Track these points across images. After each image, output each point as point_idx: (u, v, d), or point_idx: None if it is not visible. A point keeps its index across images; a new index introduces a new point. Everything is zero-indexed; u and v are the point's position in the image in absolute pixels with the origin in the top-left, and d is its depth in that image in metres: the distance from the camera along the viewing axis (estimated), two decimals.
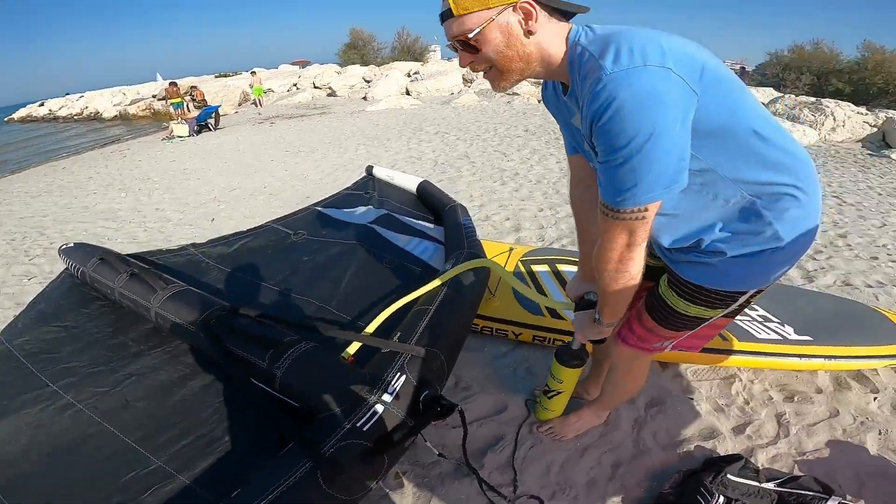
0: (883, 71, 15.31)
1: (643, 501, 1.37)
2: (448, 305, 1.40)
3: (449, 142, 6.44)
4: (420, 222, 2.28)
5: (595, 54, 0.80)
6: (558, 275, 2.18)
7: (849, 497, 1.36)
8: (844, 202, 4.55)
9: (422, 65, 19.09)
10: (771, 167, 0.88)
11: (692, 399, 1.74)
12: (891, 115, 9.61)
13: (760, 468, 1.43)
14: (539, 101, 11.52)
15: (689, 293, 1.03)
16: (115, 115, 19.49)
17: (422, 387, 1.12)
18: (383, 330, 1.37)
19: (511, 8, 0.82)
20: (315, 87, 17.55)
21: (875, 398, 1.79)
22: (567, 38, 0.87)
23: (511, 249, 2.38)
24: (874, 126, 9.16)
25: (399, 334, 1.27)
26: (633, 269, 0.93)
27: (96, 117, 20.37)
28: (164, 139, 10.12)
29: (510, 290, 2.03)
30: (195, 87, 12.55)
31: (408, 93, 13.94)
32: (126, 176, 6.71)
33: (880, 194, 4.96)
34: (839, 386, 1.85)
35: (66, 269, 1.77)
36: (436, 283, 1.45)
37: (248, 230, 2.32)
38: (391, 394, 1.07)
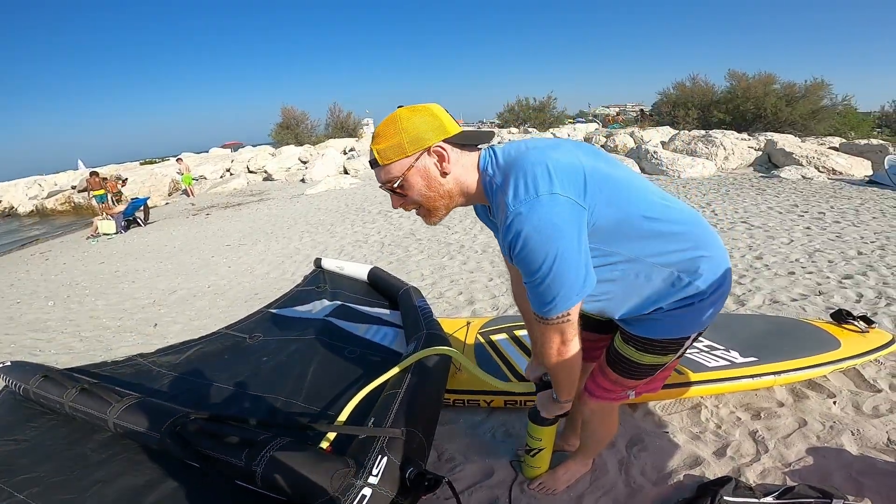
0: (751, 96, 17.50)
1: None
2: (416, 386, 1.45)
3: (393, 220, 6.55)
4: (376, 309, 2.31)
5: (500, 186, 0.95)
6: (517, 340, 2.24)
7: (851, 498, 1.42)
8: (752, 225, 5.09)
9: (357, 140, 19.71)
10: (668, 239, 1.02)
11: (668, 433, 1.82)
12: (769, 137, 11.08)
13: (753, 485, 1.49)
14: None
15: (643, 345, 1.16)
16: (32, 210, 17.89)
17: (405, 465, 1.14)
18: (355, 417, 1.40)
19: (426, 153, 0.95)
20: (250, 172, 17.46)
21: (834, 402, 1.94)
22: (478, 166, 1.01)
23: (468, 323, 2.44)
24: (758, 150, 10.50)
25: (373, 419, 1.30)
26: (572, 358, 1.07)
27: (11, 213, 18.72)
28: (88, 238, 9.48)
29: (475, 361, 2.08)
30: (106, 178, 11.61)
31: (346, 171, 14.22)
32: (52, 282, 6.21)
33: (780, 213, 5.62)
34: (797, 397, 1.99)
35: (7, 386, 1.74)
36: (396, 369, 1.52)
37: (199, 338, 2.27)
38: (376, 476, 1.09)
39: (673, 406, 1.98)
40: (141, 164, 23.69)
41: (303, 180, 13.82)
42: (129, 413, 1.38)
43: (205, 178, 17.60)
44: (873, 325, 2.23)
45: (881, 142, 12.12)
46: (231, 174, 17.84)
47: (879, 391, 1.99)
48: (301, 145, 20.38)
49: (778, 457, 1.65)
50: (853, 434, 1.74)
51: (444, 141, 0.96)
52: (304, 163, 17.03)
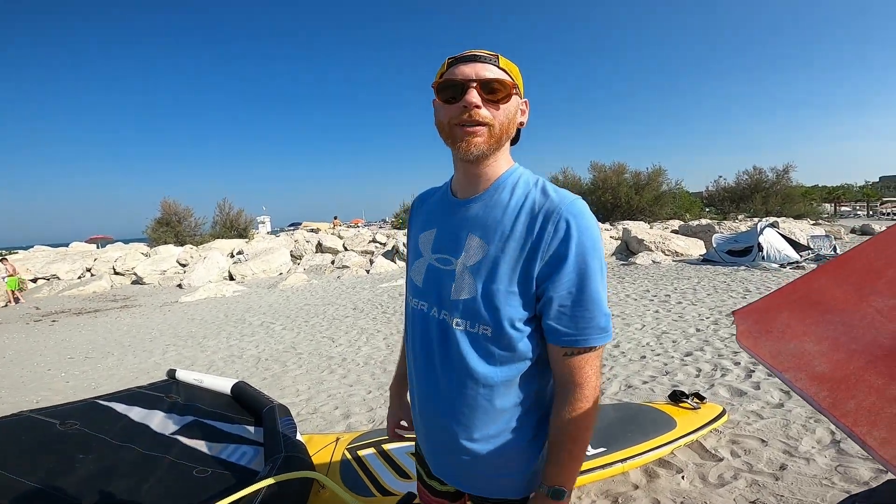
0: (609, 187, 19.67)
1: None
2: None
3: (274, 333, 6.17)
4: (237, 426, 2.17)
5: (533, 182, 0.87)
6: (384, 455, 2.19)
7: None
8: (613, 314, 5.58)
9: (247, 242, 18.60)
10: None
11: None
12: (625, 226, 12.81)
13: None
14: (367, 272, 12.17)
15: None
16: None
17: None
18: None
19: (520, 100, 0.88)
20: (116, 273, 15.57)
21: (683, 477, 2.07)
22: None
23: (338, 440, 2.34)
24: (618, 239, 12.05)
25: None
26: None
27: None
28: None
29: (338, 480, 2.01)
30: None
31: (231, 277, 13.26)
32: None
33: (636, 300, 6.34)
34: (650, 477, 2.10)
35: None
36: (238, 495, 1.38)
37: None
38: None
39: None
40: None
41: (179, 286, 12.62)
42: None
43: (57, 279, 15.21)
44: (704, 401, 2.50)
45: (708, 221, 14.73)
46: (92, 275, 15.66)
47: (721, 460, 2.18)
48: (182, 245, 18.76)
49: None
50: None
51: None
52: (184, 266, 15.64)
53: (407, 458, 2.12)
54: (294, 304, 8.32)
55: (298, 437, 1.96)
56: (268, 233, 25.68)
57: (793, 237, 9.33)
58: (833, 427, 2.42)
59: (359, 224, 28.49)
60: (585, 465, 1.99)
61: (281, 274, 13.61)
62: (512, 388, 0.87)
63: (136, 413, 2.17)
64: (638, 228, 11.82)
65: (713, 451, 2.27)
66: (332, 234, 19.32)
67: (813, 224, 14.18)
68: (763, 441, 2.35)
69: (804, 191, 21.74)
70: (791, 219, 14.68)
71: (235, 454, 1.95)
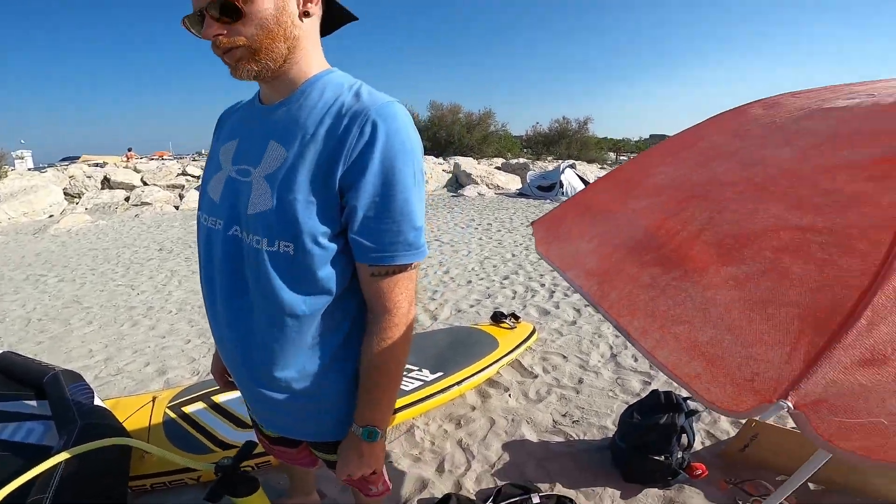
0: (444, 125, 21.01)
1: None
2: (69, 488, 1.27)
3: (48, 287, 4.90)
4: (12, 402, 1.88)
5: (348, 85, 0.75)
6: (216, 407, 2.04)
7: (545, 486, 1.67)
8: (443, 242, 5.99)
9: None
10: None
11: (393, 462, 1.88)
12: (456, 161, 13.53)
13: (473, 496, 1.63)
14: (176, 209, 10.47)
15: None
16: None
17: None
18: None
19: None
20: None
21: (510, 395, 2.31)
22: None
23: (154, 399, 2.12)
24: (449, 172, 12.72)
25: None
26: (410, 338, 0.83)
27: None
28: None
29: (164, 441, 1.88)
30: None
31: None
32: None
33: (462, 228, 6.83)
34: (484, 397, 2.31)
35: None
36: (25, 477, 1.19)
37: None
38: None
39: (391, 434, 2.06)
40: None
41: None
42: None
43: None
44: (519, 320, 2.85)
45: (525, 160, 16.55)
46: None
47: (536, 376, 2.49)
48: None
49: (483, 460, 1.88)
50: (528, 423, 2.10)
51: None
52: None
53: (242, 406, 2.00)
54: (73, 250, 6.75)
55: (97, 402, 1.78)
56: (29, 169, 19.92)
57: (584, 177, 11.09)
58: (611, 341, 2.85)
59: (164, 157, 23.98)
60: (429, 391, 2.13)
61: (52, 216, 10.82)
62: (325, 320, 0.79)
63: None
64: (467, 164, 12.58)
65: (530, 369, 2.55)
66: (127, 167, 15.95)
67: (600, 168, 17.19)
68: (564, 357, 2.70)
69: (596, 141, 26.02)
70: (585, 162, 17.55)
71: (19, 433, 1.72)
